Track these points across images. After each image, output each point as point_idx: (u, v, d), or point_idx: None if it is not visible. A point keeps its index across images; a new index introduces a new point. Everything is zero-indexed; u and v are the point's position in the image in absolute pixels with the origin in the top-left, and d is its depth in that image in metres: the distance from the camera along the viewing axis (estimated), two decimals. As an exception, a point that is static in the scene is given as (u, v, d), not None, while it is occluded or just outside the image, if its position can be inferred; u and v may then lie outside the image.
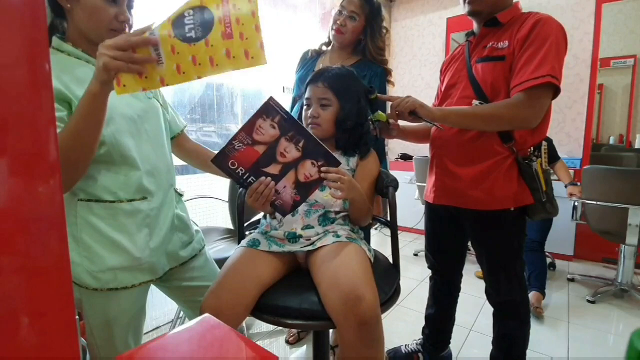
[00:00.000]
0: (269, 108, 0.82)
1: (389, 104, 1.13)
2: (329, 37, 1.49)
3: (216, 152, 0.88)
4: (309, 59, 1.56)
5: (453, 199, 1.21)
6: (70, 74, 0.78)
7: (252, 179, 0.89)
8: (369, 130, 1.11)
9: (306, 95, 1.09)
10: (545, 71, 0.98)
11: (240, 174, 0.88)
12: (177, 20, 0.66)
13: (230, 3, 0.66)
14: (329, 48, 1.53)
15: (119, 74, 0.67)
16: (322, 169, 0.89)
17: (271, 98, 0.81)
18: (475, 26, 1.19)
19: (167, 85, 0.69)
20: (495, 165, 1.11)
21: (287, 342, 1.72)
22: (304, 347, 1.71)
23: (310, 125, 1.06)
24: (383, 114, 1.14)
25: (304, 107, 1.10)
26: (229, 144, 0.85)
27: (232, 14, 0.65)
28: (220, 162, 0.87)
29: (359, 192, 0.98)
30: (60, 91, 0.74)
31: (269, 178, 0.88)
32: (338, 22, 1.39)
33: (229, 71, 0.68)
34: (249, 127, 0.83)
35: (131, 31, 0.85)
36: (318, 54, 1.55)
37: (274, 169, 0.88)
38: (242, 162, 0.87)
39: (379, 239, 3.26)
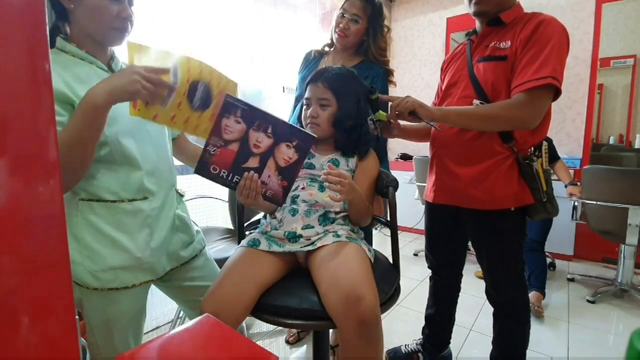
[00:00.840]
0: (228, 105, 0.83)
1: (390, 103, 1.13)
2: (331, 39, 1.49)
3: None
4: (311, 60, 1.55)
5: (453, 199, 1.21)
6: (72, 73, 0.78)
7: (237, 178, 0.89)
8: (368, 130, 1.11)
9: (306, 95, 1.09)
10: (546, 72, 0.98)
11: (224, 177, 0.89)
12: (192, 87, 0.82)
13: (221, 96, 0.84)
14: (332, 49, 1.53)
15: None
16: (323, 171, 0.91)
17: (227, 95, 0.82)
18: (477, 25, 1.19)
19: (157, 122, 0.81)
20: (496, 165, 1.11)
21: (287, 342, 1.72)
22: (304, 347, 1.71)
23: (309, 125, 1.06)
24: (384, 113, 1.13)
25: (304, 107, 1.10)
26: (204, 151, 0.86)
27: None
28: (202, 171, 0.88)
29: (359, 194, 0.98)
30: (64, 93, 0.74)
31: (252, 172, 0.89)
32: (341, 25, 1.38)
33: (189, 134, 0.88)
34: (217, 129, 0.84)
35: (129, 36, 0.85)
36: (321, 54, 1.55)
37: (253, 162, 0.88)
38: (221, 165, 0.88)
39: (379, 239, 3.26)
